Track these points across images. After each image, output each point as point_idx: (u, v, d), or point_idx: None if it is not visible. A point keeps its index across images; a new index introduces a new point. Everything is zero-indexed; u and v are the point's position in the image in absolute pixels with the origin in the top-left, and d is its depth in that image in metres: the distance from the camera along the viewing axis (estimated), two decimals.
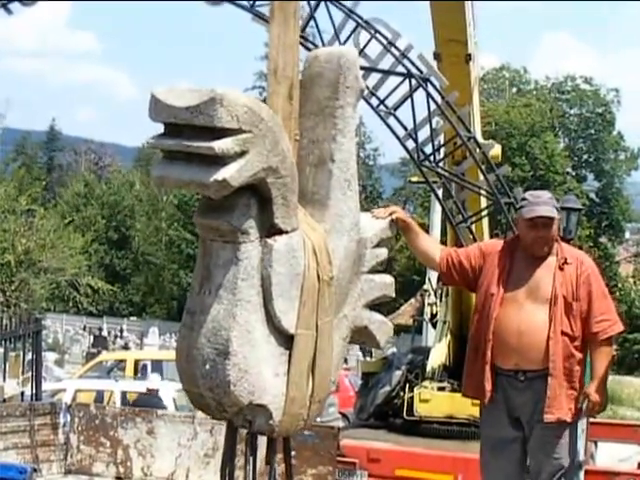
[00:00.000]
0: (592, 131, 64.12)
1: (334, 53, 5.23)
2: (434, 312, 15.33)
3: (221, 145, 4.36)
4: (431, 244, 6.30)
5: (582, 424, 6.66)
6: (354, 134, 5.39)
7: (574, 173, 63.05)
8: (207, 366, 4.66)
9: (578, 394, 5.88)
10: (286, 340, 4.83)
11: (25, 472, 5.67)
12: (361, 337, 5.48)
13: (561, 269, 5.92)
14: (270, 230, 4.72)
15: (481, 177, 13.10)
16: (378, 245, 5.48)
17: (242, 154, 4.43)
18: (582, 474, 7.37)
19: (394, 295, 5.66)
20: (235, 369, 4.61)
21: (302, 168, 5.06)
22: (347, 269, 5.18)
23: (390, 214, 5.70)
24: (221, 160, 4.40)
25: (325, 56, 5.21)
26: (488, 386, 5.91)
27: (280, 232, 4.73)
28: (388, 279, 5.56)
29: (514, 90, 66.32)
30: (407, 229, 5.96)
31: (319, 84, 5.16)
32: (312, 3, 12.70)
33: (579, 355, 5.90)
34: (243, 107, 4.43)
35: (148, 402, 15.72)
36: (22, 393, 14.18)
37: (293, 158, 4.84)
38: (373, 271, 5.45)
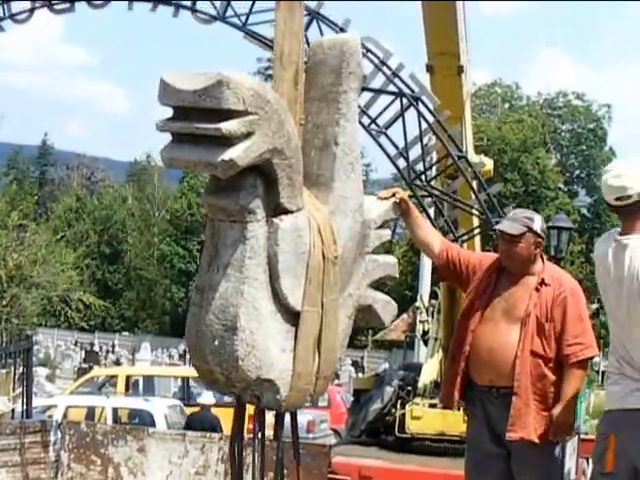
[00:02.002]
0: (584, 147, 64.44)
1: (337, 40, 5.34)
2: (426, 329, 15.35)
3: (228, 126, 4.45)
4: (431, 233, 6.32)
5: (573, 443, 6.67)
6: (357, 118, 5.52)
7: (566, 189, 63.29)
8: (216, 342, 4.75)
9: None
10: (292, 317, 4.91)
11: None
12: (366, 316, 5.54)
13: (537, 290, 5.91)
14: (276, 210, 4.80)
15: (473, 196, 13.13)
16: (381, 226, 5.58)
17: (248, 135, 4.52)
18: None
19: (397, 275, 5.74)
20: (243, 344, 4.69)
21: (307, 152, 5.15)
22: (351, 249, 5.27)
23: (393, 195, 5.81)
24: (228, 141, 4.48)
25: (328, 43, 5.31)
26: (457, 395, 5.95)
27: (286, 212, 4.83)
28: (391, 259, 5.69)
29: (506, 106, 66.55)
30: (407, 213, 6.00)
31: (323, 71, 5.25)
32: (304, 19, 12.73)
33: (552, 377, 5.85)
34: (249, 90, 4.51)
35: (204, 419, 15.57)
36: (13, 410, 14.16)
37: (298, 141, 4.92)
38: (377, 252, 5.55)
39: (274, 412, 5.16)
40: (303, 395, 5.05)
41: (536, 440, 5.79)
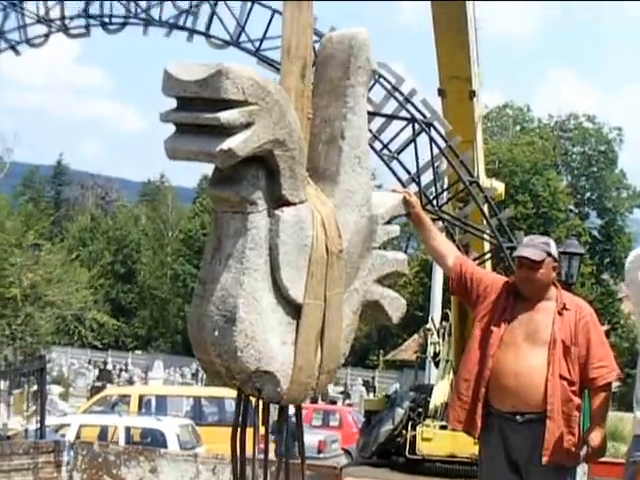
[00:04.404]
0: (594, 169, 64.33)
1: (346, 35, 5.26)
2: (437, 351, 15.35)
3: (226, 116, 4.41)
4: (445, 244, 6.33)
5: (583, 467, 6.65)
6: (365, 113, 5.42)
7: (577, 210, 63.19)
8: (216, 333, 4.70)
9: (577, 439, 5.87)
10: (294, 310, 4.85)
11: None
12: (373, 312, 5.46)
13: (560, 314, 5.93)
14: (278, 201, 4.76)
15: (484, 220, 13.15)
16: (389, 222, 5.52)
17: (248, 125, 4.47)
18: None
19: (407, 272, 5.69)
20: (242, 335, 4.65)
21: (315, 146, 5.13)
22: (358, 244, 5.20)
23: (405, 193, 5.84)
24: (228, 131, 4.44)
25: (338, 38, 5.27)
26: (479, 422, 5.91)
27: (288, 204, 4.77)
28: (401, 256, 5.59)
29: (517, 128, 66.55)
30: (420, 223, 6.00)
31: (331, 65, 5.21)
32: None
33: (577, 400, 5.88)
34: (249, 80, 4.47)
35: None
36: (26, 430, 14.20)
37: (302, 133, 4.87)
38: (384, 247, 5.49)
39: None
40: (305, 389, 4.99)
41: (567, 464, 5.83)
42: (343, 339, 5.17)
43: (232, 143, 4.44)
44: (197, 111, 4.51)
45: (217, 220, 4.87)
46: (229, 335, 4.67)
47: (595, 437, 5.82)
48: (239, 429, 5.10)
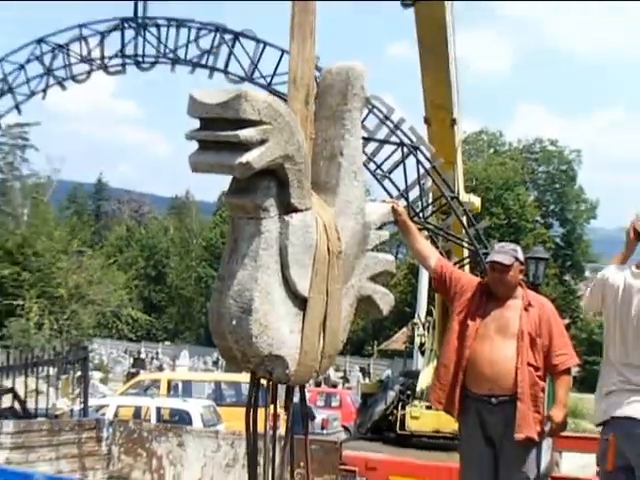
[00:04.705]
0: (557, 185, 64.29)
1: (344, 67, 5.29)
2: (422, 342, 15.35)
3: (245, 133, 4.42)
4: (428, 247, 6.34)
5: (548, 441, 6.62)
6: (360, 134, 5.45)
7: (542, 221, 63.09)
8: (234, 322, 4.69)
9: (542, 417, 5.86)
10: (301, 302, 4.85)
11: None
12: (366, 305, 5.46)
13: (526, 310, 5.94)
14: (287, 208, 4.76)
15: (463, 230, 13.16)
16: (381, 228, 5.55)
17: (263, 142, 4.48)
18: None
19: (395, 271, 5.68)
20: (257, 324, 4.64)
21: (317, 162, 5.12)
22: (353, 246, 5.22)
23: (393, 203, 5.88)
24: (245, 146, 4.45)
25: (336, 69, 5.29)
26: (457, 404, 5.91)
27: (296, 210, 4.78)
28: (390, 257, 5.61)
29: (491, 151, 66.49)
30: (406, 229, 6.01)
31: (330, 93, 5.23)
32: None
33: (542, 384, 5.88)
34: (264, 102, 4.49)
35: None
36: (71, 410, 14.15)
37: (307, 150, 4.89)
38: (376, 250, 5.51)
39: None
40: (309, 371, 4.99)
41: (536, 438, 5.81)
42: (342, 328, 5.18)
43: (249, 157, 4.45)
44: (218, 130, 4.50)
45: (234, 225, 4.86)
46: (245, 324, 4.66)
47: (557, 414, 5.83)
48: (252, 407, 5.11)
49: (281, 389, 5.16)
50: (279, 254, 4.74)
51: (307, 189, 4.85)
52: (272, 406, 5.11)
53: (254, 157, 4.45)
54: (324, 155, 5.20)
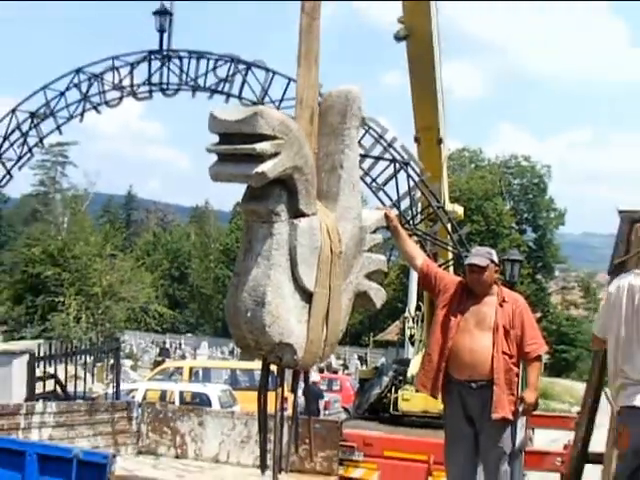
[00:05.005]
0: (530, 196, 64.19)
1: (343, 90, 5.30)
2: (412, 333, 15.35)
3: (261, 146, 4.42)
4: (416, 250, 6.32)
5: (522, 420, 6.62)
6: (357, 149, 5.48)
7: (517, 227, 63.00)
8: (248, 314, 4.68)
9: (516, 398, 5.87)
10: (307, 296, 4.84)
11: (107, 457, 5.64)
12: (362, 300, 5.46)
13: (501, 306, 5.95)
14: (296, 213, 4.76)
15: (448, 236, 13.17)
16: (375, 232, 5.56)
17: (275, 154, 4.48)
18: (523, 455, 7.30)
19: (387, 270, 5.69)
20: (269, 315, 4.63)
21: (318, 173, 5.11)
22: (352, 247, 5.22)
23: (385, 210, 5.94)
24: (260, 158, 4.45)
25: (336, 92, 5.30)
26: (440, 387, 5.94)
27: (303, 215, 4.78)
28: (382, 257, 5.62)
29: (472, 166, 66.42)
30: (397, 233, 5.99)
31: (331, 112, 5.23)
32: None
33: (516, 369, 5.90)
34: (277, 120, 4.49)
35: (312, 390, 16.02)
36: (106, 393, 14.15)
37: (314, 162, 4.90)
38: (371, 251, 5.52)
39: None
40: (314, 357, 5.00)
41: (511, 417, 5.81)
42: (342, 319, 5.18)
43: (264, 167, 4.45)
44: (235, 143, 4.50)
45: (248, 227, 4.85)
46: (259, 315, 4.65)
47: (529, 396, 5.84)
48: (263, 390, 5.12)
49: (288, 374, 5.17)
50: (289, 254, 4.74)
51: (313, 196, 4.86)
52: (280, 388, 5.08)
53: (268, 167, 4.45)
54: (325, 168, 5.21)
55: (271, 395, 5.08)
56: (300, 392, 5.42)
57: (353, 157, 5.31)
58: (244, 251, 4.85)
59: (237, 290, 4.80)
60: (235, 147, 4.50)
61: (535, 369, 5.94)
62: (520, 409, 5.86)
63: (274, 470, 5.11)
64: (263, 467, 5.30)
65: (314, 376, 17.53)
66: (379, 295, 5.57)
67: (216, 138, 4.63)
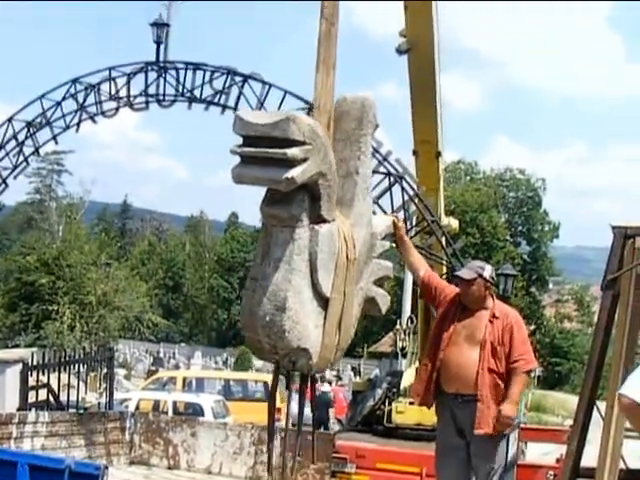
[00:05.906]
0: (525, 209, 64.28)
1: (358, 97, 5.26)
2: (403, 346, 15.38)
3: (293, 151, 4.41)
4: (419, 260, 6.26)
5: (514, 434, 6.61)
6: (370, 156, 5.46)
7: (512, 240, 63.07)
8: (267, 318, 4.64)
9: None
10: (324, 302, 4.82)
11: (99, 468, 5.63)
12: (369, 306, 5.45)
13: (491, 322, 5.92)
14: (317, 219, 4.74)
15: (442, 250, 13.18)
16: (384, 238, 5.55)
17: (304, 160, 4.47)
18: (515, 469, 7.32)
19: (392, 276, 5.67)
20: (289, 320, 4.61)
21: None
22: (363, 253, 5.20)
23: (394, 217, 5.95)
24: (290, 163, 4.43)
25: (351, 98, 5.25)
26: (431, 399, 5.96)
27: (324, 221, 4.76)
28: (389, 264, 5.59)
29: (468, 178, 66.53)
30: (403, 242, 5.97)
31: (346, 118, 5.19)
32: None
33: (503, 386, 5.85)
34: (308, 125, 4.49)
35: (321, 398, 16.08)
36: (99, 403, 14.12)
37: (335, 169, 4.87)
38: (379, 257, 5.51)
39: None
40: (327, 362, 4.98)
41: (495, 433, 5.80)
42: (352, 324, 5.17)
43: (294, 173, 4.45)
44: (263, 147, 4.47)
45: (267, 232, 4.82)
46: (279, 320, 4.62)
47: (506, 408, 5.80)
48: (274, 393, 5.13)
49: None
50: (309, 259, 4.71)
51: (334, 202, 4.84)
52: (292, 392, 5.14)
53: (298, 173, 4.45)
54: (340, 173, 5.11)
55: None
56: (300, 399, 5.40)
57: (368, 163, 5.29)
58: (261, 255, 4.81)
59: (255, 294, 4.76)
60: (266, 151, 4.48)
61: (518, 383, 5.88)
62: (497, 421, 5.81)
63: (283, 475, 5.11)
64: (270, 471, 5.31)
65: (325, 386, 17.62)
66: (385, 301, 5.57)
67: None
